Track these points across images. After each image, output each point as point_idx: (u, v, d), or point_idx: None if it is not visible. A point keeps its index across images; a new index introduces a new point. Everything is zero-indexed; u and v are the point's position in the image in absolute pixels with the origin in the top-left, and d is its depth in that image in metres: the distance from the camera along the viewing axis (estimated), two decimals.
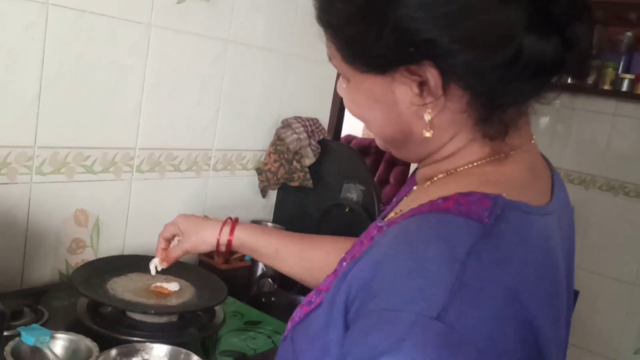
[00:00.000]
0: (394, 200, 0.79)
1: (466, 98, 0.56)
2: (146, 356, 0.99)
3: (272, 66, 1.73)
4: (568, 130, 2.92)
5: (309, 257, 1.01)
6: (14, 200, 1.23)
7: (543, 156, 0.70)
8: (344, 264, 0.65)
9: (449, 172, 0.62)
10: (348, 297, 0.54)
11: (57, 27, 1.21)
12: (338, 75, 1.91)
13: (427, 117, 0.58)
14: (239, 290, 1.52)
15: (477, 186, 0.57)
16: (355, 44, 0.59)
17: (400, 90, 0.58)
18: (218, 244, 1.03)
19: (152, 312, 1.14)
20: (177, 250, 1.09)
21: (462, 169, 0.61)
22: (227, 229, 1.03)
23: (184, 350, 1.01)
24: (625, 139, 2.75)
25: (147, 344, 1.01)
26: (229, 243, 1.02)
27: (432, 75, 0.55)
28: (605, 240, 2.82)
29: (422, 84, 0.56)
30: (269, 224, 1.80)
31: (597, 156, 2.83)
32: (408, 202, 0.67)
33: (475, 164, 0.61)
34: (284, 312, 1.48)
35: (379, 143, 0.69)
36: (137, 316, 1.15)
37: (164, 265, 1.12)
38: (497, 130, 0.58)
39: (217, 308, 1.25)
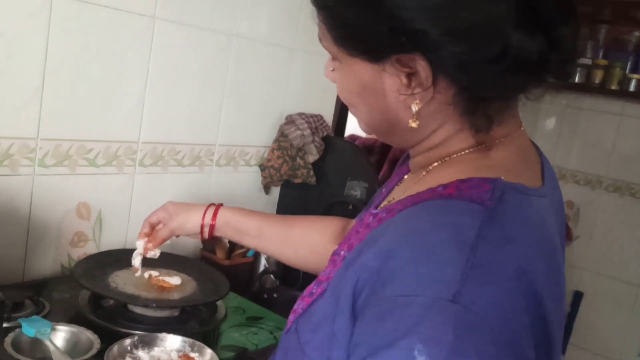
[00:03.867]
0: (384, 189, 0.80)
1: (452, 90, 0.58)
2: (167, 348, 0.99)
3: (276, 61, 1.72)
4: (574, 130, 2.90)
5: (292, 236, 1.05)
6: (16, 191, 1.22)
7: (533, 143, 0.72)
8: (342, 252, 0.66)
9: (443, 160, 0.64)
10: (356, 286, 0.54)
11: (61, 17, 1.20)
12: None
13: (415, 107, 0.59)
14: (241, 286, 1.51)
15: (474, 171, 0.59)
16: (349, 26, 0.60)
17: (389, 81, 0.60)
18: (203, 224, 1.05)
19: (154, 305, 1.13)
20: (164, 231, 1.09)
21: (456, 155, 0.63)
22: (211, 210, 1.06)
23: (197, 343, 1.01)
24: (632, 140, 2.72)
25: (163, 334, 1.01)
26: (212, 226, 1.05)
27: (421, 67, 0.56)
28: (611, 242, 2.80)
29: (411, 76, 0.58)
30: None
31: (603, 157, 2.81)
32: (402, 190, 0.69)
33: (468, 150, 0.62)
34: (286, 308, 1.47)
35: (363, 128, 0.70)
36: (139, 310, 1.15)
37: (151, 248, 1.11)
38: (484, 123, 0.60)
39: (218, 303, 1.24)
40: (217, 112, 1.59)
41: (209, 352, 1.00)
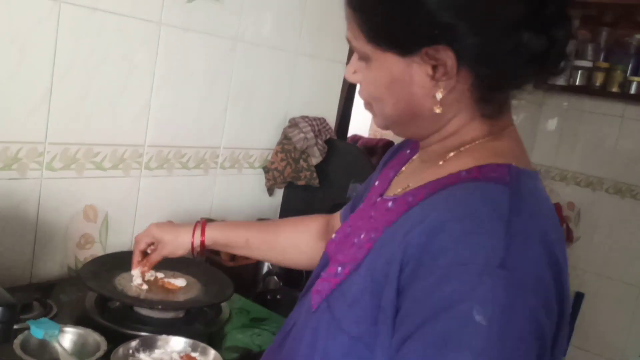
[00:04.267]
0: (377, 182, 0.87)
1: (470, 79, 0.67)
2: (169, 349, 1.00)
3: (280, 65, 1.74)
4: (576, 132, 2.91)
5: (278, 241, 1.11)
6: (25, 195, 1.24)
7: None
8: (362, 236, 0.74)
9: (459, 150, 0.71)
10: (403, 260, 0.62)
11: (69, 23, 1.22)
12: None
13: (439, 95, 0.67)
14: (245, 287, 1.52)
15: (489, 158, 0.68)
16: (385, 23, 0.66)
17: (418, 72, 0.67)
18: (192, 247, 1.10)
19: (159, 307, 1.15)
20: (155, 257, 1.15)
21: (469, 146, 0.71)
22: (198, 231, 1.10)
23: (201, 344, 1.02)
24: (633, 142, 2.74)
25: (164, 336, 1.02)
26: (202, 244, 1.09)
27: (449, 58, 0.64)
28: (612, 243, 2.81)
29: (435, 66, 0.66)
30: None
31: (604, 158, 2.82)
32: (414, 177, 0.76)
33: (479, 141, 0.71)
34: (289, 309, 1.48)
35: (380, 123, 0.76)
36: (145, 311, 1.16)
37: (146, 271, 1.18)
38: (493, 109, 0.70)
39: (223, 304, 1.26)
40: (222, 115, 1.61)
41: (212, 352, 1.01)
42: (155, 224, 1.14)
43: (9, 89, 1.17)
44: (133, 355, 0.98)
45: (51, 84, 1.23)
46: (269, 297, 1.55)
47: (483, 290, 0.56)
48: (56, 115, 1.25)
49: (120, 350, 0.96)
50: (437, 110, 0.68)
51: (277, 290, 1.59)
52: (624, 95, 2.59)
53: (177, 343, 1.02)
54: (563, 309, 0.62)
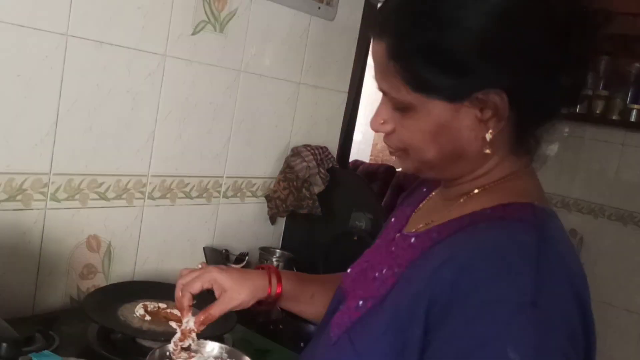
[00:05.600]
0: (393, 219, 0.86)
1: (514, 119, 0.67)
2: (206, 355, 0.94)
3: (283, 95, 1.75)
4: (577, 159, 2.92)
5: None
6: (28, 225, 1.25)
7: None
8: (384, 271, 0.73)
9: (484, 188, 0.72)
10: (431, 298, 0.62)
11: (75, 57, 1.24)
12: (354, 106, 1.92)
13: (489, 136, 0.67)
14: (248, 316, 1.52)
15: (513, 197, 0.69)
16: (437, 74, 0.65)
17: (465, 116, 0.66)
18: (269, 296, 0.94)
19: (162, 339, 1.14)
20: (220, 309, 0.91)
21: (491, 185, 0.72)
22: (274, 280, 0.94)
23: (238, 351, 0.95)
24: (635, 169, 2.74)
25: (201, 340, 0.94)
26: (278, 294, 0.95)
27: (502, 100, 0.65)
28: (615, 270, 2.80)
29: (482, 109, 0.66)
30: (278, 251, 1.81)
31: (606, 186, 2.83)
32: (437, 214, 0.75)
33: (502, 179, 0.71)
34: (291, 339, 1.48)
35: (413, 167, 0.74)
36: (148, 343, 1.16)
37: (199, 329, 0.91)
38: (529, 145, 0.72)
39: (225, 336, 1.26)
40: (225, 145, 1.62)
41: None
42: (216, 268, 0.91)
43: (16, 121, 1.19)
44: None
45: (57, 117, 1.24)
46: (271, 327, 1.55)
47: (516, 328, 0.57)
48: (61, 146, 1.26)
49: (157, 352, 0.91)
50: (487, 151, 0.68)
51: (280, 320, 1.59)
52: (624, 123, 2.61)
53: (211, 347, 0.95)
54: (590, 344, 0.64)
